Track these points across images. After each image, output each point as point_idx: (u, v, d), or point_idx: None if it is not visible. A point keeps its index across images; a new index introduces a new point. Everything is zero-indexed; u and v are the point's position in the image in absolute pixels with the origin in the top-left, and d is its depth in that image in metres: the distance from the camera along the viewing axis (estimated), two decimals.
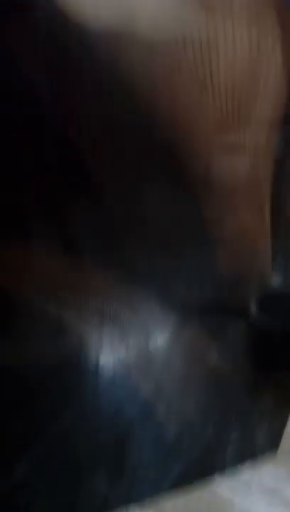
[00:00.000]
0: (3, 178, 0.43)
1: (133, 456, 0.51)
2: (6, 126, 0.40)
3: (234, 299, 0.65)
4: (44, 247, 0.48)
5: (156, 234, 0.52)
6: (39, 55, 0.39)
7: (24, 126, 0.42)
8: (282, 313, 0.69)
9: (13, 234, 0.46)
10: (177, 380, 0.61)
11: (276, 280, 0.67)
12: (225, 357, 0.65)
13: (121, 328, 0.58)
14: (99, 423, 0.54)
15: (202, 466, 0.53)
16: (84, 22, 0.38)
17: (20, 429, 0.49)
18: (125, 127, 0.44)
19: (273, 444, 0.57)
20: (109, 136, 0.44)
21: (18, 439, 0.49)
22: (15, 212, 0.45)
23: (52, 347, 0.54)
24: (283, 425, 0.61)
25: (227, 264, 0.58)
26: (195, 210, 0.52)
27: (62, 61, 0.40)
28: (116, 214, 0.49)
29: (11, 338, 0.51)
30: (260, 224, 0.57)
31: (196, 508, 0.48)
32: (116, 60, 0.40)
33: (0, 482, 0.46)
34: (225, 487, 0.50)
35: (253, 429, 0.59)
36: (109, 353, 0.58)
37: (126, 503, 0.47)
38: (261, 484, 0.51)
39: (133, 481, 0.49)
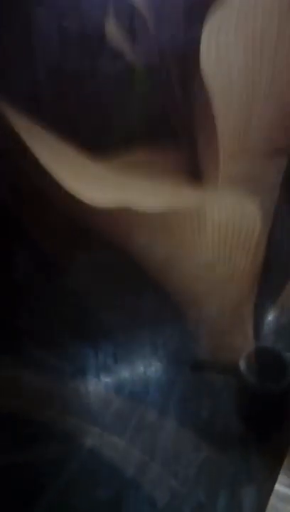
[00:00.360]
0: None
1: None
2: None
3: (223, 357, 0.64)
4: None
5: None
6: None
7: None
8: (270, 372, 0.68)
9: None
10: (165, 441, 0.59)
11: (264, 339, 0.67)
12: (214, 416, 0.64)
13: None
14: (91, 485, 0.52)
15: None
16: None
17: None
18: None
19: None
20: None
21: None
22: None
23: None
24: (269, 493, 0.57)
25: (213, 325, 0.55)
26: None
27: None
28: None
29: None
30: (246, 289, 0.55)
31: None
32: None
33: None
34: None
35: (239, 495, 0.56)
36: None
37: None
38: None
39: None
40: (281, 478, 0.71)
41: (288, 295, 0.65)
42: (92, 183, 0.35)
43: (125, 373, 0.59)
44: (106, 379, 0.58)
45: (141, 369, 0.60)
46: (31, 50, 0.34)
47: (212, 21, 0.34)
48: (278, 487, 0.60)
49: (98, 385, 0.57)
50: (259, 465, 0.66)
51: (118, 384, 0.60)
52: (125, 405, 0.59)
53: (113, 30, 0.35)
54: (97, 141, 0.34)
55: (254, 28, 0.37)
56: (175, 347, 0.59)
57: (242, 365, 0.69)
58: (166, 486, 0.55)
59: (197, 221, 0.39)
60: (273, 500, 0.56)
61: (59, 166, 0.34)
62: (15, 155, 0.33)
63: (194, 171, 0.38)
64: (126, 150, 0.35)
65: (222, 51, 0.35)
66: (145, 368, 0.60)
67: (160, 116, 0.37)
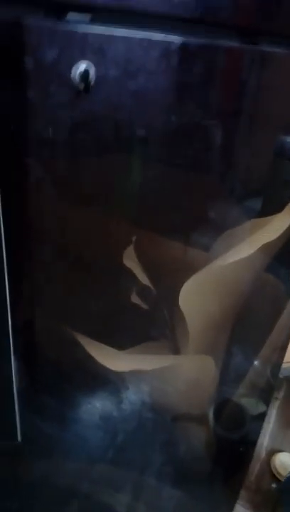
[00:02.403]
0: None
1: None
2: None
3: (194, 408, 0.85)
4: None
5: None
6: None
7: None
8: (236, 422, 0.92)
9: None
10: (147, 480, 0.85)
11: (229, 390, 0.87)
12: (185, 460, 0.89)
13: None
14: None
15: None
16: None
17: None
18: None
19: None
20: None
21: None
22: None
23: None
24: None
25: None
26: None
27: None
28: None
29: None
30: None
31: None
32: None
33: None
34: None
35: None
36: None
37: None
38: None
39: None
40: (238, 507, 1.00)
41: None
42: (114, 358, 0.64)
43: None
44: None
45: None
46: None
47: (189, 282, 0.62)
48: None
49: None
50: (220, 497, 0.93)
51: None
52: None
53: None
54: (118, 340, 0.64)
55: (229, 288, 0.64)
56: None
57: (211, 415, 0.93)
58: None
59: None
60: None
61: (96, 352, 0.63)
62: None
63: (175, 348, 0.67)
64: (136, 344, 0.64)
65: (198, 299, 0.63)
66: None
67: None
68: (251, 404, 0.93)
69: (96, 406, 0.71)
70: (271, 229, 0.66)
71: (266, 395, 0.96)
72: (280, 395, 1.51)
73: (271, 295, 0.72)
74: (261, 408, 0.94)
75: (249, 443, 1.00)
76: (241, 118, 0.61)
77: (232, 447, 0.94)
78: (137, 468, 0.86)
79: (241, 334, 0.73)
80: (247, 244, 0.65)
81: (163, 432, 0.84)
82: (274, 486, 1.20)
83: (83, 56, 0.46)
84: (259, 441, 1.35)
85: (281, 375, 1.60)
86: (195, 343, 0.69)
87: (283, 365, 1.62)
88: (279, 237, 0.67)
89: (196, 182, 0.60)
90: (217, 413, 0.87)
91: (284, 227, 0.67)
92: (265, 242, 0.66)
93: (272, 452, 1.30)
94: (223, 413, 0.88)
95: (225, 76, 0.55)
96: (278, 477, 1.20)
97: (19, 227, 0.53)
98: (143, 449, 0.84)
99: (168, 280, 0.63)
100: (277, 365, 0.90)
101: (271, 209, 0.65)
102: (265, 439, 1.38)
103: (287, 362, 1.58)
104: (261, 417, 0.94)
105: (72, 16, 0.46)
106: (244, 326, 0.73)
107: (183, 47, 0.50)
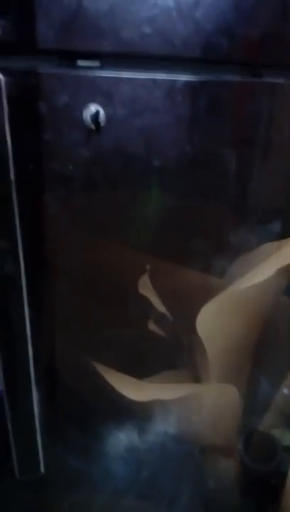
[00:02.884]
0: None
1: None
2: None
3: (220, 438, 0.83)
4: None
5: None
6: None
7: None
8: (266, 453, 0.89)
9: None
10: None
11: (257, 419, 0.84)
12: (214, 493, 0.86)
13: None
14: None
15: None
16: None
17: None
18: None
19: None
20: None
21: None
22: None
23: None
24: None
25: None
26: None
27: None
28: None
29: None
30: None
31: None
32: None
33: None
34: None
35: None
36: None
37: None
38: None
39: None
40: None
41: None
42: (135, 388, 0.64)
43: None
44: None
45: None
46: None
47: (206, 308, 0.62)
48: None
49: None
50: None
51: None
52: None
53: None
54: (137, 369, 0.64)
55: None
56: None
57: (240, 447, 0.91)
58: None
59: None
60: None
61: (117, 382, 0.64)
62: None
63: (196, 376, 0.66)
64: (156, 373, 0.64)
65: (216, 325, 0.63)
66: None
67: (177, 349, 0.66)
68: (281, 435, 0.90)
69: (120, 437, 0.70)
70: (287, 252, 0.66)
71: None
72: None
73: None
74: None
75: (281, 475, 0.97)
76: (252, 146, 0.62)
77: (263, 479, 0.91)
78: (164, 502, 0.84)
79: (264, 361, 0.72)
80: (264, 268, 0.65)
81: (191, 463, 0.83)
82: None
83: (93, 99, 0.49)
84: None
85: None
86: (216, 371, 0.68)
87: None
88: None
89: (209, 209, 0.61)
90: (246, 444, 0.84)
91: None
92: (282, 265, 0.66)
93: None
94: (253, 444, 0.85)
95: (231, 108, 0.57)
96: None
97: (38, 260, 0.55)
98: (170, 481, 0.83)
99: (185, 307, 0.63)
100: None
101: (287, 232, 0.66)
102: None
103: None
104: None
105: (82, 62, 0.50)
106: (266, 352, 0.72)
107: (187, 84, 0.52)
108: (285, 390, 0.84)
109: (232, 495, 0.89)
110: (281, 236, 0.66)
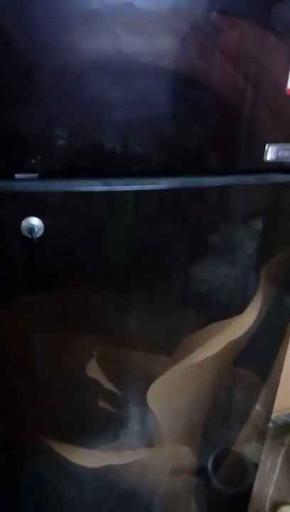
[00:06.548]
0: None
1: None
2: None
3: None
4: None
5: None
6: None
7: None
8: (235, 473, 0.91)
9: None
10: None
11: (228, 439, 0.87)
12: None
13: None
14: None
15: None
16: None
17: None
18: None
19: None
20: None
21: None
22: None
23: None
24: None
25: None
26: None
27: None
28: None
29: None
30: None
31: None
32: None
33: None
34: None
35: None
36: None
37: None
38: None
39: None
40: None
41: None
42: (87, 456, 0.68)
43: None
44: None
45: None
46: None
47: (156, 383, 0.64)
48: None
49: None
50: None
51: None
52: None
53: None
54: (90, 440, 0.67)
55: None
56: None
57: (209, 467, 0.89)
58: None
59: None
60: None
61: (70, 453, 0.67)
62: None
63: (147, 441, 0.70)
64: (109, 442, 0.68)
65: (167, 397, 0.65)
66: None
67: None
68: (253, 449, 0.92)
69: (77, 498, 0.74)
70: (235, 328, 0.68)
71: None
72: (286, 441, 1.50)
73: (244, 385, 0.74)
74: None
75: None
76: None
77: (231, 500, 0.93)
78: None
79: (217, 422, 0.75)
80: (213, 344, 0.67)
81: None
82: None
83: (30, 212, 0.51)
84: (264, 491, 1.34)
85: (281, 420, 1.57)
86: (168, 436, 0.71)
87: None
88: (244, 335, 0.69)
89: (156, 298, 0.62)
90: (215, 465, 0.85)
91: (248, 325, 0.69)
92: (231, 339, 0.68)
93: (277, 505, 1.29)
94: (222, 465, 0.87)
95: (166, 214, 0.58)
96: None
97: None
98: None
99: (134, 384, 0.66)
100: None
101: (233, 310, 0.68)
102: (270, 490, 1.37)
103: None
104: None
105: (19, 175, 0.51)
106: (219, 414, 0.75)
107: (123, 194, 0.54)
108: (257, 406, 0.87)
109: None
110: (227, 315, 0.68)
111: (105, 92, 0.50)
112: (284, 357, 0.77)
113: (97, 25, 0.47)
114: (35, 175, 0.51)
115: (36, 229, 0.50)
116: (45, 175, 0.51)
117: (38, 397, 0.61)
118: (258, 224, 0.65)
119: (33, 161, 0.50)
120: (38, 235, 0.51)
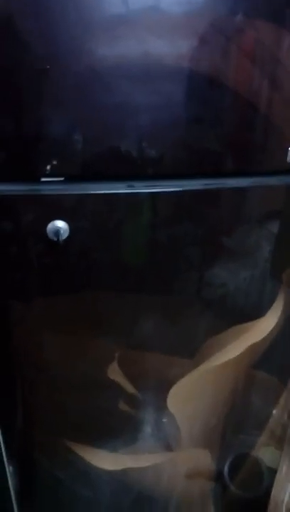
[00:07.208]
0: None
1: None
2: None
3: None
4: None
5: None
6: None
7: None
8: (252, 478, 0.90)
9: None
10: None
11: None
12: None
13: None
14: None
15: None
16: None
17: None
18: None
19: None
20: None
21: None
22: None
23: None
24: None
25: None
26: None
27: None
28: None
29: None
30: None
31: None
32: None
33: None
34: None
35: None
36: None
37: None
38: None
39: None
40: None
41: None
42: (108, 459, 0.68)
43: None
44: None
45: None
46: None
47: (177, 386, 0.64)
48: None
49: None
50: None
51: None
52: None
53: None
54: (111, 443, 0.67)
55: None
56: None
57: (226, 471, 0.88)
58: None
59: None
60: None
61: (91, 456, 0.67)
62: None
63: (166, 445, 0.70)
64: (129, 445, 0.68)
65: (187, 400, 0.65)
66: None
67: None
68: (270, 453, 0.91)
69: (93, 500, 0.74)
70: (256, 331, 0.68)
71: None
72: None
73: (264, 389, 0.73)
74: None
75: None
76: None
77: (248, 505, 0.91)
78: None
79: (235, 426, 0.75)
80: (234, 347, 0.67)
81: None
82: None
83: (56, 215, 0.51)
84: (280, 498, 1.32)
85: None
86: (187, 439, 0.71)
87: None
88: (265, 338, 0.69)
89: (176, 300, 0.62)
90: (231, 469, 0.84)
91: (269, 329, 0.68)
92: (252, 343, 0.68)
93: None
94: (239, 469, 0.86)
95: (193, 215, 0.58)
96: None
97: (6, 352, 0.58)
98: None
99: (155, 387, 0.66)
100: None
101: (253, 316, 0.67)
102: (286, 495, 1.35)
103: None
104: None
105: (45, 179, 0.51)
106: (238, 418, 0.75)
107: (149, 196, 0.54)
108: (276, 411, 0.86)
109: None
110: (248, 318, 0.67)
111: (129, 96, 0.50)
112: None
113: (122, 30, 0.48)
114: (61, 178, 0.51)
115: (62, 231, 0.51)
116: (69, 178, 0.52)
117: (59, 399, 0.61)
118: (278, 227, 0.64)
119: (58, 164, 0.50)
120: (63, 238, 0.51)
